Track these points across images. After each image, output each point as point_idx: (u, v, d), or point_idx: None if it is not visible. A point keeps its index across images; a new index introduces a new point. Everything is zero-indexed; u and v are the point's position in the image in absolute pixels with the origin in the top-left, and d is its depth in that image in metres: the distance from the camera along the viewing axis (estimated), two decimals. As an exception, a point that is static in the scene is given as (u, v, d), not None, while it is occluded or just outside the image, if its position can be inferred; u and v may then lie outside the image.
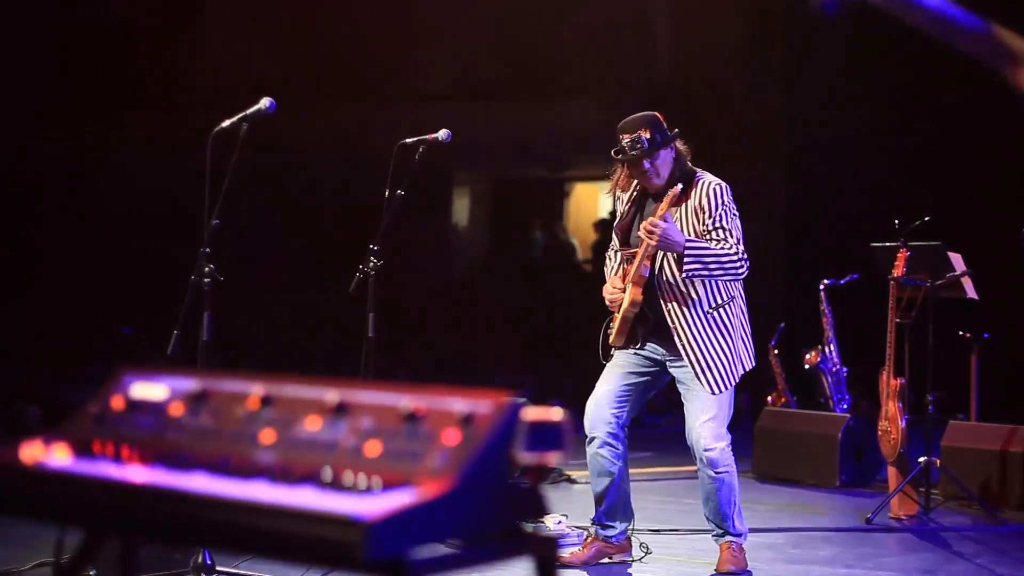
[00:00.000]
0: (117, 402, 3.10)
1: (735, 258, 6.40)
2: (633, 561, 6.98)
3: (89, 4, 19.03)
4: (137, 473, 2.78)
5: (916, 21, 2.47)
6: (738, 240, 6.46)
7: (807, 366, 10.42)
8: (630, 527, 6.93)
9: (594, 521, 6.90)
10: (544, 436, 2.72)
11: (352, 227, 10.16)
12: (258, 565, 6.32)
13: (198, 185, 6.37)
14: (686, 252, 6.32)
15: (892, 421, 8.59)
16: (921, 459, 8.50)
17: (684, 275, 6.38)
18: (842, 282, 10.12)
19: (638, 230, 6.50)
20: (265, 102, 6.38)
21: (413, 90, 19.15)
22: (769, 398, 11.02)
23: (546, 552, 2.72)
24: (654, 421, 13.42)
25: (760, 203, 16.71)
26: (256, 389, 2.96)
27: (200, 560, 6.14)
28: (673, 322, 6.54)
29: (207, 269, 6.32)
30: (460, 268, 21.22)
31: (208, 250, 6.35)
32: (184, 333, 6.37)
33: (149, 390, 3.10)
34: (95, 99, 19.50)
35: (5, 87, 19.00)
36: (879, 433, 8.75)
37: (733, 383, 6.59)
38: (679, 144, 6.68)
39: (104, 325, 17.33)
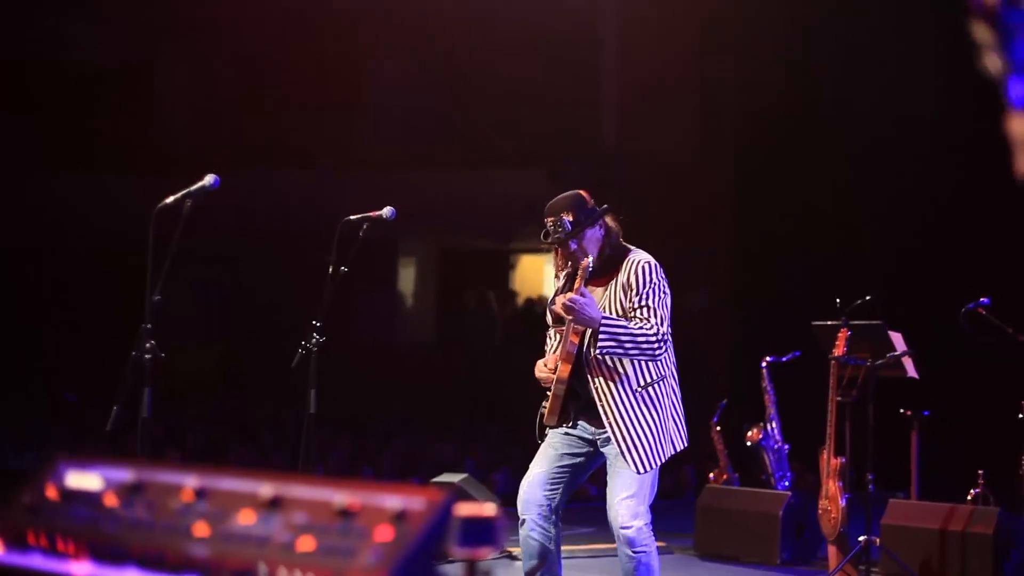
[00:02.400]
0: (51, 491, 3.10)
1: (652, 339, 6.32)
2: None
3: (35, 59, 19.00)
4: (71, 566, 2.77)
5: None
6: (662, 319, 6.39)
7: (749, 443, 10.45)
8: None
9: None
10: (477, 531, 2.73)
11: (297, 296, 10.16)
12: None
13: (142, 251, 6.36)
14: (601, 329, 6.28)
15: (832, 500, 8.64)
16: (861, 538, 8.53)
17: (597, 352, 6.37)
18: (784, 359, 10.19)
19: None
20: (209, 179, 6.38)
21: (359, 159, 19.22)
22: (711, 475, 11.04)
23: (477, 649, 2.73)
24: (595, 495, 13.41)
25: (706, 277, 16.84)
26: (190, 481, 2.96)
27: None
28: (601, 400, 6.48)
29: (148, 344, 6.31)
30: (406, 337, 21.23)
31: (149, 326, 6.33)
32: (126, 407, 6.34)
33: (84, 480, 3.09)
34: (41, 158, 19.45)
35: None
36: (819, 512, 8.79)
37: (659, 463, 6.48)
38: (609, 220, 6.66)
39: (47, 390, 17.22)
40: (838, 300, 8.82)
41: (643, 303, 6.42)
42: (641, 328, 6.33)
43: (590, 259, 6.44)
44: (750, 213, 16.33)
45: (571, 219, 6.49)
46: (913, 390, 9.43)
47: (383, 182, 17.90)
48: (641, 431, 6.45)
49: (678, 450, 6.62)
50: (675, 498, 13.72)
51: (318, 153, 19.39)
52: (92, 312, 18.53)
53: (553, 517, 6.67)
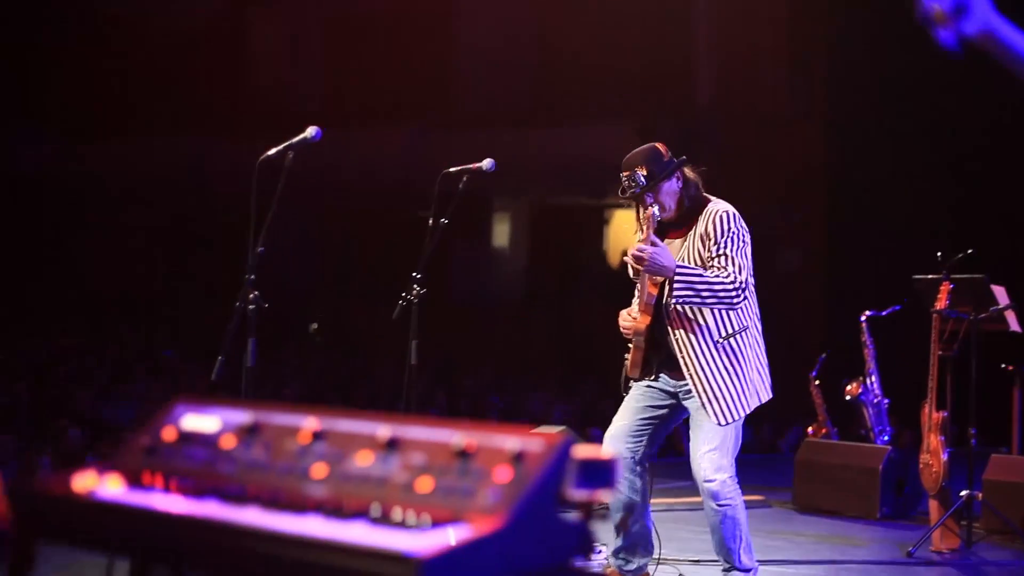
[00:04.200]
0: (169, 433, 3.12)
1: (730, 287, 6.22)
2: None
3: (127, 22, 19.11)
4: (188, 506, 2.79)
5: (1009, 63, 2.54)
6: (740, 268, 6.28)
7: (848, 397, 10.36)
8: (651, 562, 6.85)
9: (614, 554, 6.83)
10: (595, 474, 2.73)
11: (395, 252, 10.18)
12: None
13: (243, 210, 6.38)
14: (676, 278, 6.20)
15: (934, 454, 8.56)
16: (963, 492, 8.46)
17: (673, 301, 6.31)
18: (884, 313, 10.07)
19: None
20: (311, 131, 6.39)
21: (452, 117, 19.22)
22: (810, 429, 10.96)
23: (595, 590, 2.73)
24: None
25: (801, 232, 16.70)
26: (308, 423, 2.97)
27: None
28: (681, 351, 6.41)
29: (252, 295, 6.33)
30: (499, 293, 21.25)
31: (253, 276, 6.36)
32: (228, 359, 6.38)
33: (201, 422, 3.11)
34: (143, 122, 19.62)
35: (54, 112, 19.11)
36: (921, 466, 8.71)
37: (741, 415, 6.41)
38: (687, 171, 6.58)
39: (147, 347, 17.44)
40: (939, 253, 8.70)
41: (721, 252, 6.32)
42: (718, 277, 6.24)
43: (655, 208, 6.37)
44: (843, 166, 16.16)
45: (645, 173, 6.41)
46: (1016, 344, 9.32)
47: (476, 139, 17.88)
48: (722, 382, 6.37)
49: (763, 401, 6.53)
50: (773, 452, 13.68)
51: (411, 112, 19.41)
52: (190, 270, 18.70)
53: (638, 469, 6.63)
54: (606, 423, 6.78)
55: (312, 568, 2.51)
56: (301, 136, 6.41)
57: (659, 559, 6.93)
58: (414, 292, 7.14)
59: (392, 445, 2.82)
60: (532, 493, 2.59)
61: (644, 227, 6.34)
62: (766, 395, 6.55)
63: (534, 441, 2.68)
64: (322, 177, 15.91)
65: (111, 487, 2.97)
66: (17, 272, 18.95)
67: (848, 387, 10.35)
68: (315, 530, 2.56)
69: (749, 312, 6.47)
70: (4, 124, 19.48)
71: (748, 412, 6.44)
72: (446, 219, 7.24)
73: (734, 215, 6.42)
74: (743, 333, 6.44)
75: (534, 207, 22.00)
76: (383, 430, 2.86)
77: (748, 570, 6.57)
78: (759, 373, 6.50)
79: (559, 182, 20.66)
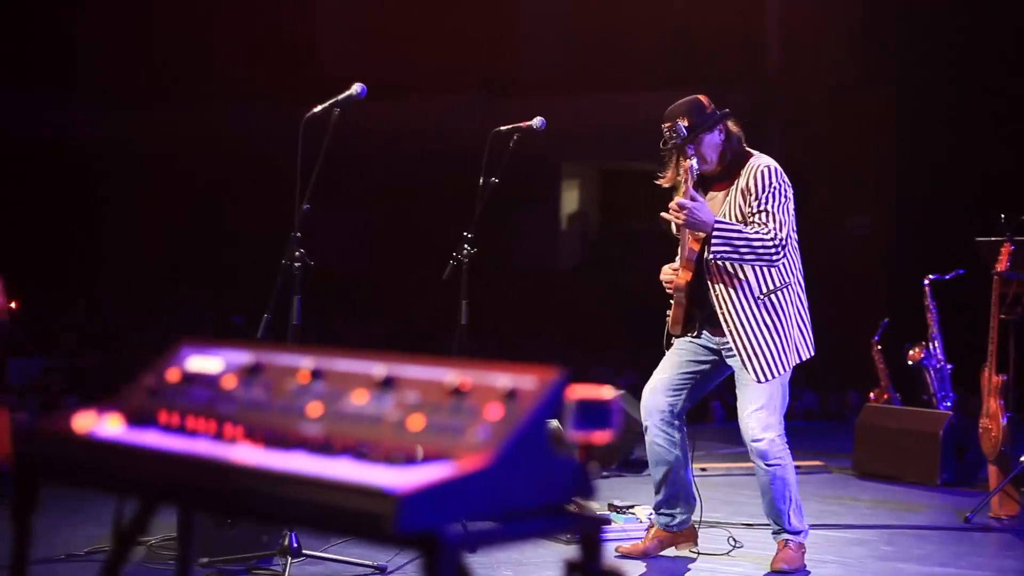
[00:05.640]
0: (173, 374, 3.13)
1: (769, 243, 6.16)
2: (722, 555, 6.91)
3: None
4: (181, 444, 2.79)
5: None
6: (781, 224, 6.21)
7: (911, 362, 10.22)
8: (693, 515, 6.81)
9: (656, 511, 6.81)
10: (593, 415, 2.68)
11: (453, 216, 10.16)
12: (346, 549, 6.34)
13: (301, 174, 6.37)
14: (714, 234, 6.14)
15: (993, 418, 8.43)
16: (1023, 458, 8.33)
17: (711, 256, 6.23)
18: (947, 277, 9.93)
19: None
20: (356, 88, 6.38)
21: (522, 82, 19.17)
22: (872, 394, 10.85)
23: (591, 531, 2.68)
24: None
25: (869, 197, 16.56)
26: (307, 363, 2.96)
27: (287, 543, 6.15)
28: (721, 307, 6.36)
29: (298, 253, 6.34)
30: (567, 259, 21.22)
31: (299, 234, 6.36)
32: (275, 317, 6.38)
33: (204, 363, 3.11)
34: (207, 85, 19.70)
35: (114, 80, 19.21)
36: (980, 431, 8.58)
37: (782, 372, 6.36)
38: (731, 125, 6.49)
39: (217, 314, 17.57)
40: (1002, 215, 8.56)
41: (762, 207, 6.26)
42: (758, 233, 6.18)
43: (693, 160, 6.30)
44: (913, 133, 15.99)
45: (687, 124, 6.35)
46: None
47: (543, 105, 17.80)
48: (763, 339, 6.32)
49: (803, 359, 6.47)
50: (839, 419, 13.54)
51: (478, 78, 19.38)
52: (259, 236, 18.78)
53: (676, 423, 6.61)
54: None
55: (297, 503, 2.49)
56: (347, 93, 6.41)
57: (700, 520, 6.89)
58: (464, 252, 7.11)
59: (388, 384, 2.81)
60: (522, 431, 2.55)
61: (684, 180, 6.29)
62: (807, 353, 6.50)
63: (527, 379, 2.65)
64: (386, 141, 15.92)
65: (110, 426, 2.97)
66: (90, 240, 19.14)
67: (911, 352, 10.21)
68: (300, 466, 2.54)
69: (791, 268, 6.41)
70: (64, 92, 19.65)
71: (789, 369, 6.40)
72: (496, 179, 7.21)
73: (776, 170, 6.35)
74: (785, 289, 6.38)
75: (603, 173, 21.93)
76: (379, 369, 2.84)
77: (798, 532, 6.53)
78: (800, 330, 6.45)
79: (628, 148, 20.58)
